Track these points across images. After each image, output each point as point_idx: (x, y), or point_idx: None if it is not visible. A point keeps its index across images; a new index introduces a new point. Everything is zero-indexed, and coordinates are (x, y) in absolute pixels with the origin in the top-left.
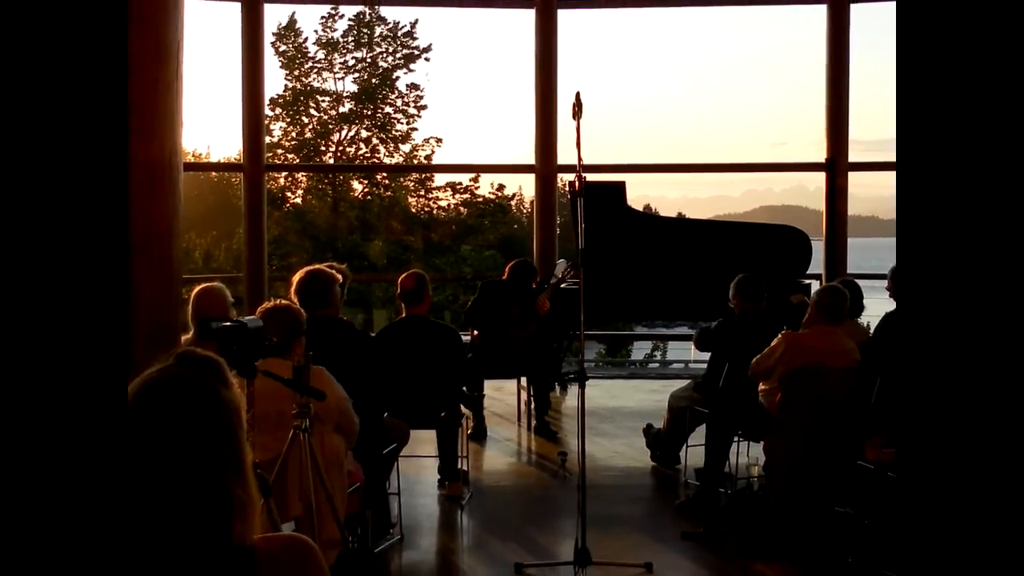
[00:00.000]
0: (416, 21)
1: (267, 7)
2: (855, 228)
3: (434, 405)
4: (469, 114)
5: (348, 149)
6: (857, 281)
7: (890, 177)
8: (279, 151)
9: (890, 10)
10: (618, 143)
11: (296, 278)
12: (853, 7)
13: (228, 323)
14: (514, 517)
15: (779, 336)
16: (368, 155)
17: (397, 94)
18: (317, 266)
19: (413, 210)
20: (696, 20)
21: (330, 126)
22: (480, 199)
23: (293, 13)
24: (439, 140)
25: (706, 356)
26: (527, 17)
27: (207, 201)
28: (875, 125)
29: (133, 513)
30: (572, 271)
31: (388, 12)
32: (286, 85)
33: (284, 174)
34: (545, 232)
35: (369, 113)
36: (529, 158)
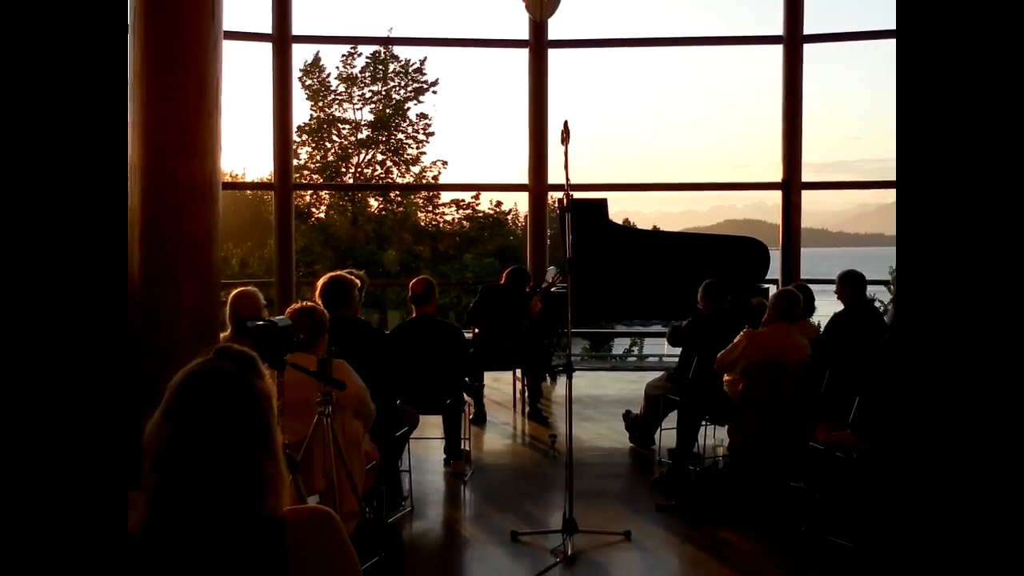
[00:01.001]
0: (425, 59)
1: (295, 46)
2: (807, 239)
3: (440, 393)
4: (471, 139)
5: (365, 170)
6: (809, 286)
7: (838, 195)
8: (305, 172)
9: (839, 48)
10: (601, 165)
11: (320, 283)
12: (806, 46)
13: (261, 322)
14: (510, 491)
15: (741, 334)
16: (383, 175)
17: (408, 122)
18: (338, 272)
19: (422, 224)
20: (670, 57)
21: (349, 150)
22: (480, 214)
23: (318, 52)
24: (445, 162)
25: (678, 351)
26: (522, 56)
27: (243, 216)
28: (825, 149)
29: (177, 489)
30: (561, 277)
31: (400, 51)
32: (311, 115)
33: (309, 192)
34: (537, 243)
35: (384, 139)
36: (523, 178)
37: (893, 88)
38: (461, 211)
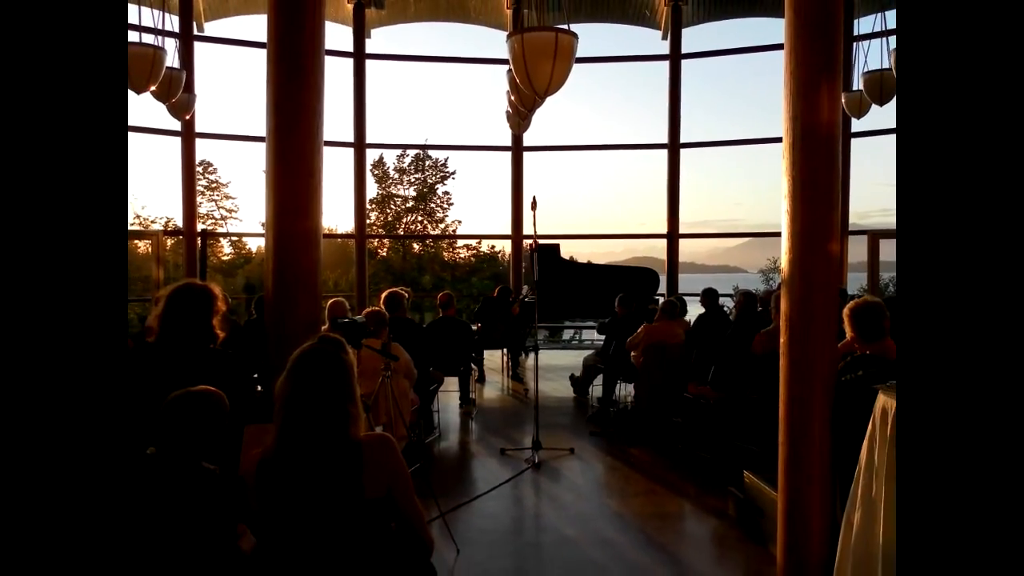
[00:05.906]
0: (448, 158)
1: (368, 150)
2: (682, 268)
3: (457, 363)
4: (476, 207)
5: (411, 226)
6: (683, 297)
7: (702, 241)
8: (374, 227)
9: (704, 151)
10: (556, 222)
11: (382, 296)
12: (683, 151)
13: (346, 320)
14: (500, 423)
15: (641, 327)
16: (422, 229)
17: (438, 197)
18: (394, 289)
19: (446, 259)
20: (599, 154)
21: (401, 214)
22: (481, 253)
23: (382, 154)
24: (460, 221)
25: (603, 337)
26: (507, 155)
27: (335, 254)
28: (694, 212)
29: (295, 423)
30: (531, 292)
31: (433, 152)
32: (378, 192)
33: (376, 240)
34: (516, 271)
35: (422, 207)
36: (508, 231)
37: (738, 175)
38: (469, 251)
